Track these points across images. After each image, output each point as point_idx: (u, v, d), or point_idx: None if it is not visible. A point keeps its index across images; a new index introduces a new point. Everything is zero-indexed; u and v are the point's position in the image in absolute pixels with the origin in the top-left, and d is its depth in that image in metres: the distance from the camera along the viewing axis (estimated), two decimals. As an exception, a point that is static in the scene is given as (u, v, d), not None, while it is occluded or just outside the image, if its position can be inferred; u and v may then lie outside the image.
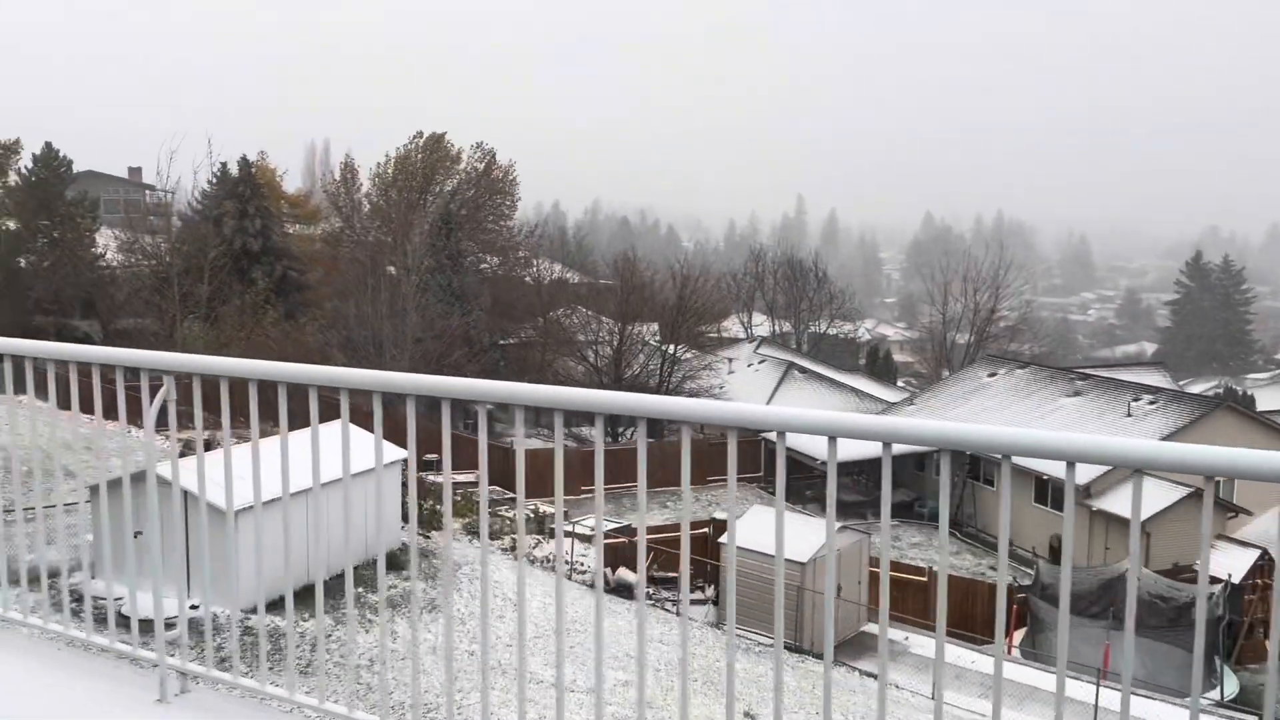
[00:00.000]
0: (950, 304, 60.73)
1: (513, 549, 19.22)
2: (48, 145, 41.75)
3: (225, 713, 3.19)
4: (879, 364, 58.78)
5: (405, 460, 3.12)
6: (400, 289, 37.32)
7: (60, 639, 3.64)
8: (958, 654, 17.70)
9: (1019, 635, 20.77)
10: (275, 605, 4.31)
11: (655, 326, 44.24)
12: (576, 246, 64.70)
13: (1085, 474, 25.76)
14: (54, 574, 4.36)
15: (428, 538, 17.25)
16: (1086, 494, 26.63)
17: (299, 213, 50.90)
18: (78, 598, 4.04)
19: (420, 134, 50.50)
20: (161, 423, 3.25)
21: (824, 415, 2.47)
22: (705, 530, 21.43)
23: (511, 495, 21.29)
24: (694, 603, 19.67)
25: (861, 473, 30.86)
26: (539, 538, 20.76)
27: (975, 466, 31.40)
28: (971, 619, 20.57)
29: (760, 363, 45.12)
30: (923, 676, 16.38)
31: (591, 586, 18.40)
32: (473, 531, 18.19)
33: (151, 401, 3.25)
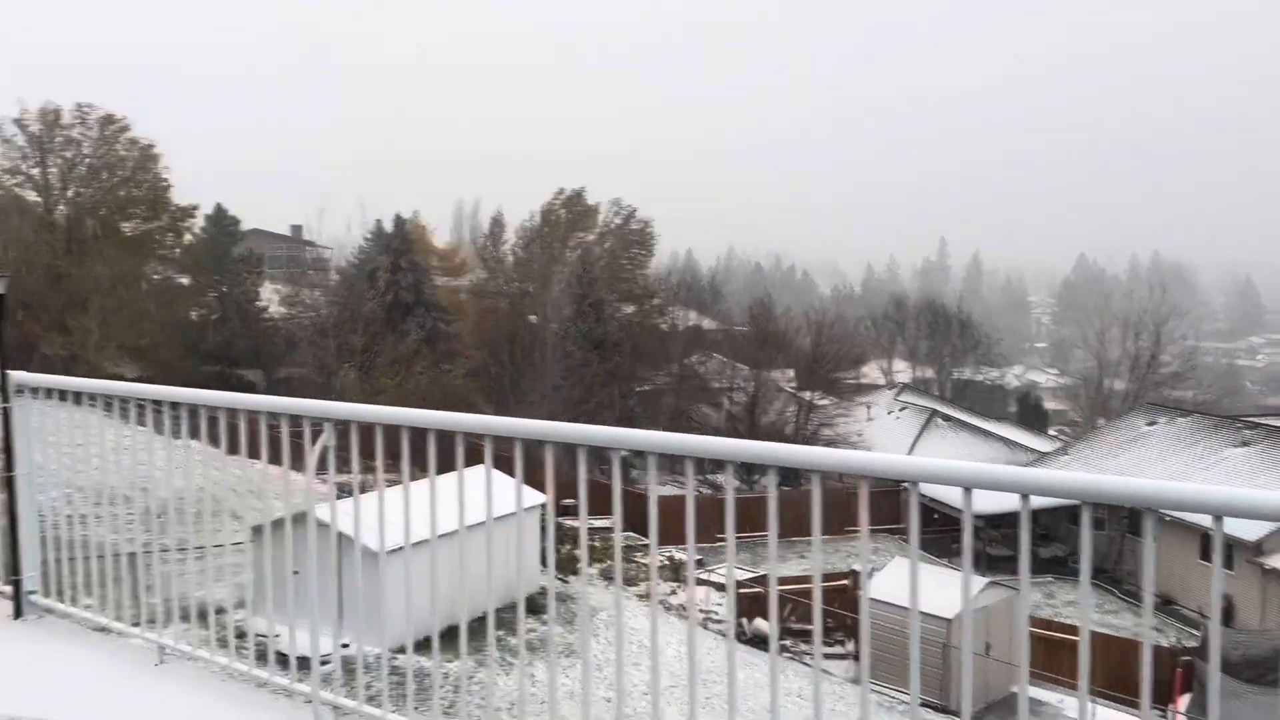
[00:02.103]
0: (1106, 349, 57.93)
1: (647, 596, 19.20)
2: (218, 206, 44.93)
3: None
4: (1029, 412, 56.48)
5: (544, 505, 3.22)
6: (541, 337, 38.29)
7: (224, 672, 3.88)
8: (1113, 718, 16.67)
9: (1184, 701, 19.39)
10: (421, 646, 4.48)
11: (791, 373, 43.86)
12: (711, 293, 65.01)
13: (1257, 530, 23.97)
14: (219, 610, 4.65)
15: (565, 582, 17.46)
16: (1258, 551, 24.77)
17: (447, 266, 53.01)
18: (239, 634, 4.30)
19: (562, 190, 52.08)
20: (321, 468, 3.47)
21: (957, 465, 2.44)
22: (843, 582, 20.93)
23: (646, 542, 21.29)
24: (831, 656, 19.19)
25: (1011, 526, 29.59)
26: (674, 585, 20.70)
27: (1135, 521, 29.68)
28: (1131, 682, 19.33)
29: (901, 410, 44.03)
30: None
31: (723, 635, 18.12)
32: (608, 577, 18.31)
33: (312, 446, 3.47)
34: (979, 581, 18.88)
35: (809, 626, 20.32)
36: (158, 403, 4.30)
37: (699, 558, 24.79)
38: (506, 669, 4.81)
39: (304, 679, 3.55)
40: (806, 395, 41.39)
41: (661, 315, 50.11)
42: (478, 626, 3.50)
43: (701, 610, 19.85)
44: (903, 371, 62.77)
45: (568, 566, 17.46)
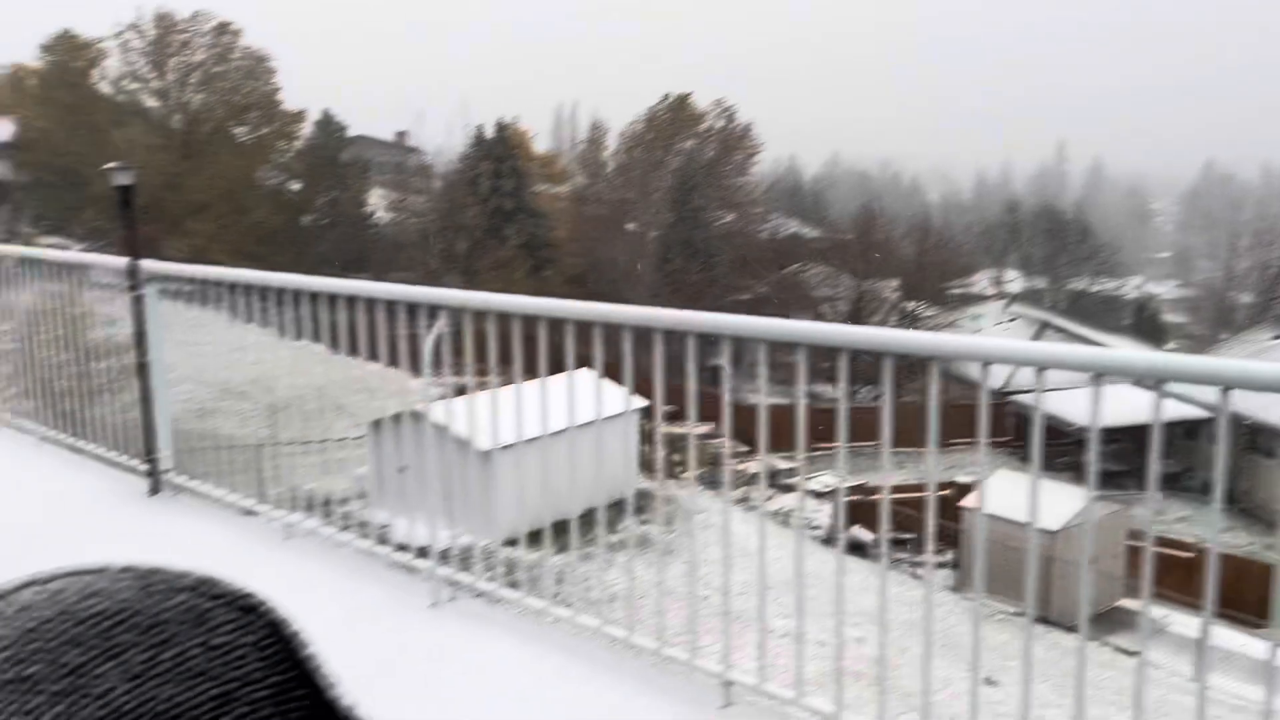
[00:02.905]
0: (1234, 260, 54.88)
1: (747, 502, 19.42)
2: (326, 112, 45.66)
3: (488, 620, 3.53)
4: (1147, 324, 54.18)
5: (646, 408, 3.26)
6: (639, 244, 38.18)
7: (346, 549, 4.14)
8: (1226, 635, 16.29)
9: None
10: (524, 540, 4.64)
11: (895, 283, 42.89)
12: (814, 201, 63.60)
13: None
14: (340, 501, 4.87)
15: (666, 486, 17.71)
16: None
17: (547, 172, 53.03)
18: (357, 523, 4.50)
19: (667, 96, 51.18)
20: (435, 359, 3.55)
21: (1031, 346, 2.41)
22: (948, 493, 20.74)
23: (747, 449, 21.48)
24: (933, 566, 19.16)
25: (1123, 440, 28.75)
26: (773, 492, 20.85)
27: (1254, 438, 28.48)
28: (1242, 600, 18.80)
29: (1011, 321, 42.76)
30: (1183, 657, 15.21)
31: (825, 542, 18.33)
32: (709, 482, 18.52)
33: (428, 339, 3.58)
34: (1086, 493, 18.49)
35: (909, 535, 20.30)
36: (280, 295, 4.45)
37: (797, 465, 24.77)
38: (607, 565, 4.93)
39: (420, 558, 3.77)
40: (911, 305, 40.49)
41: (763, 223, 49.34)
42: (579, 524, 3.60)
43: (803, 518, 19.96)
44: (1014, 281, 60.67)
45: (669, 473, 17.64)
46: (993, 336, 40.05)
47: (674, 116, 50.95)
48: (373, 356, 5.19)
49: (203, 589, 0.64)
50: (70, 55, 42.84)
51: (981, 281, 58.28)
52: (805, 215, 57.33)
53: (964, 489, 20.92)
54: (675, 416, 3.51)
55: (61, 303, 6.14)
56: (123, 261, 4.92)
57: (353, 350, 4.50)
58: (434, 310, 3.65)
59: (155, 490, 4.94)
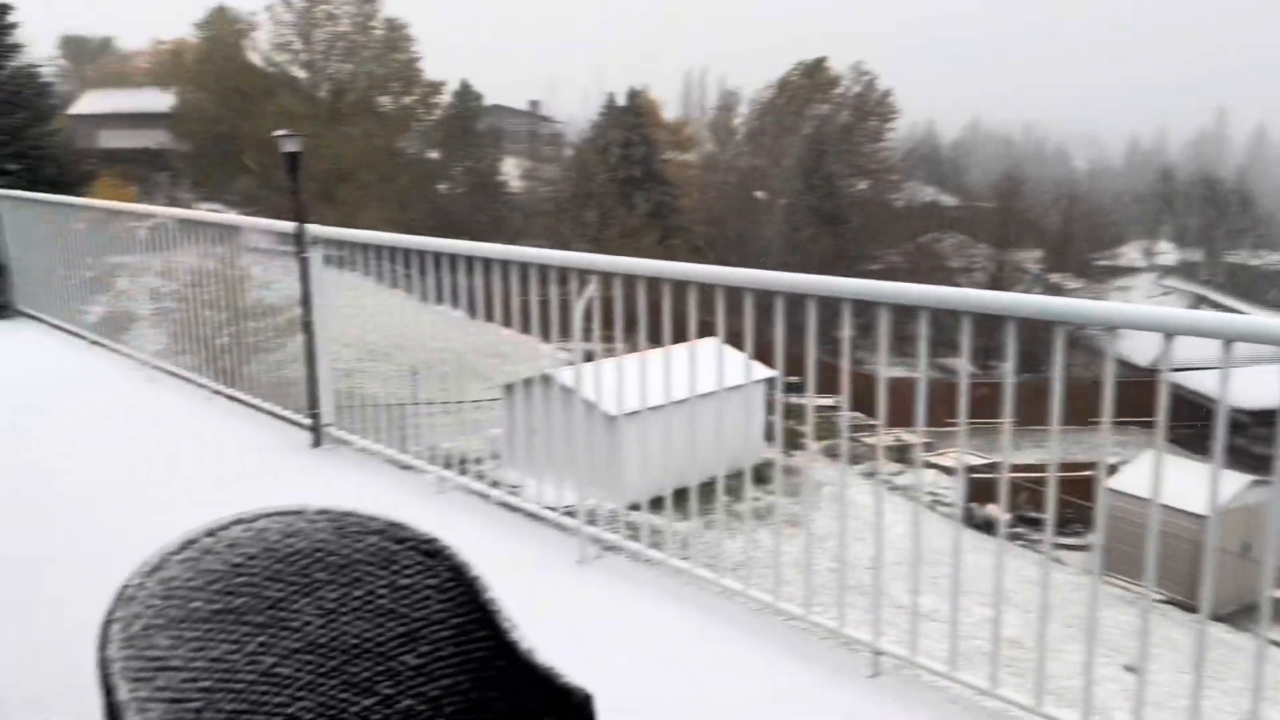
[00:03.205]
0: None
1: (871, 475, 19.09)
2: (464, 82, 46.65)
3: (632, 578, 3.65)
4: (1313, 301, 50.46)
5: (771, 380, 3.28)
6: (768, 212, 37.74)
7: (495, 504, 4.34)
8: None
9: None
10: (655, 504, 4.74)
11: (1038, 254, 41.17)
12: (952, 168, 61.43)
13: None
14: (476, 460, 5.06)
15: (790, 455, 17.61)
16: None
17: (676, 140, 52.89)
18: (490, 482, 4.67)
19: (801, 61, 50.24)
20: (585, 321, 3.65)
21: (1160, 311, 2.32)
22: (1089, 473, 19.92)
23: (871, 423, 21.01)
24: (1066, 547, 18.53)
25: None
26: (900, 466, 20.46)
27: None
28: None
29: (1164, 295, 40.56)
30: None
31: (949, 518, 17.87)
32: (832, 455, 18.32)
33: (579, 304, 3.69)
34: (1242, 479, 17.50)
35: (1041, 515, 19.60)
36: (424, 259, 4.64)
37: (928, 440, 24.24)
38: (731, 533, 4.98)
39: (568, 517, 3.94)
40: (1054, 277, 38.85)
41: (897, 191, 48.05)
42: (704, 492, 3.66)
43: (928, 493, 19.61)
44: (1167, 253, 57.33)
45: (791, 444, 17.56)
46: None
47: (808, 82, 49.94)
48: (506, 322, 5.36)
49: (390, 533, 0.70)
50: (224, 30, 45.03)
51: (1131, 253, 55.27)
52: (943, 182, 55.49)
53: (1108, 469, 20.03)
54: (799, 387, 3.51)
55: (221, 265, 6.54)
56: (290, 225, 5.20)
57: (488, 316, 4.65)
58: (584, 275, 3.75)
59: (317, 443, 5.28)
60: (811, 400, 3.25)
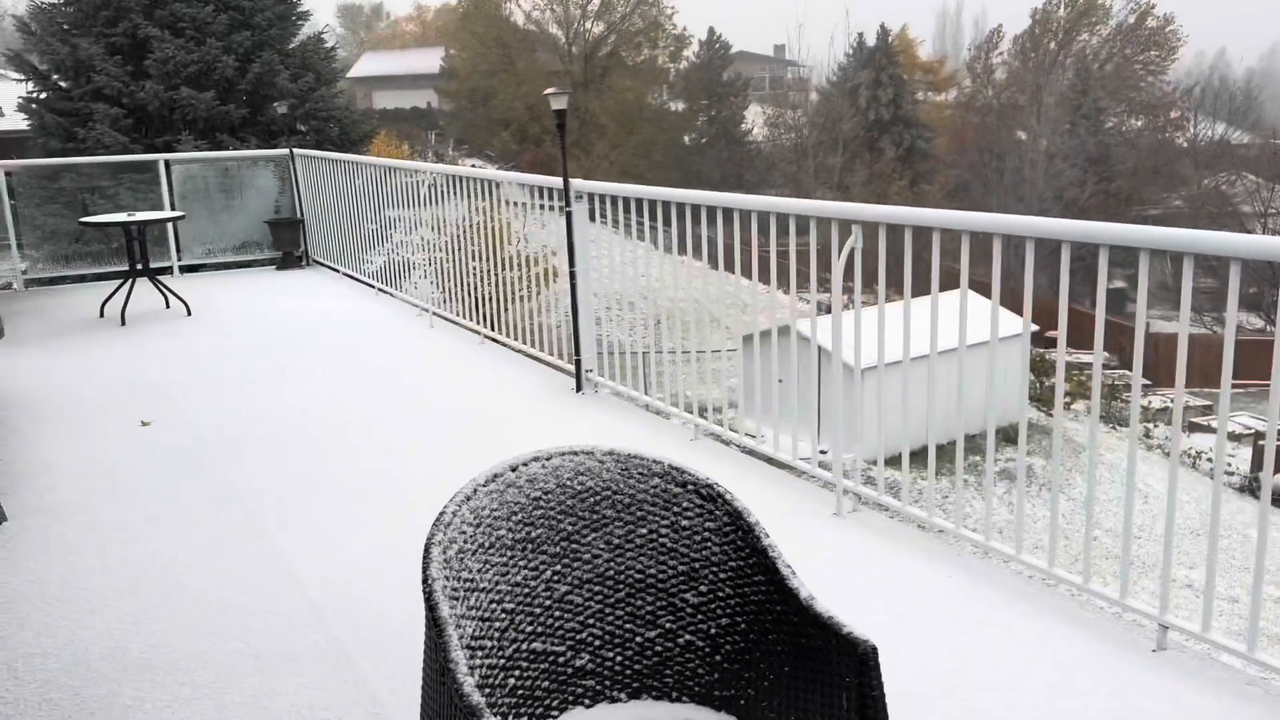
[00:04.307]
0: None
1: (1147, 439, 17.71)
2: (710, 30, 46.55)
3: (889, 533, 3.62)
4: None
5: (1032, 334, 3.09)
6: (1029, 155, 35.33)
7: (745, 454, 4.50)
8: None
9: None
10: (891, 462, 4.64)
11: (1351, 196, 36.22)
12: (1245, 101, 54.86)
13: None
14: (713, 409, 5.14)
15: (1050, 415, 16.66)
16: None
17: (931, 80, 50.43)
18: (732, 430, 4.74)
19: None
20: (847, 272, 3.61)
21: None
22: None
23: (1149, 383, 19.38)
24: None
25: None
26: (1181, 431, 18.86)
27: None
28: None
29: None
30: None
31: (1241, 490, 16.32)
32: (1102, 417, 17.09)
33: (841, 254, 3.65)
34: None
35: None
36: (681, 210, 4.74)
37: (1207, 404, 22.17)
38: (988, 493, 4.80)
39: (823, 470, 3.97)
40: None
41: (1179, 130, 43.58)
42: (951, 449, 3.52)
43: (1209, 460, 17.93)
44: None
45: (1049, 400, 16.59)
46: None
47: (1075, 12, 46.05)
48: (749, 274, 5.38)
49: (673, 475, 0.74)
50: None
51: None
52: (1234, 118, 49.70)
53: None
54: (1068, 343, 3.28)
55: (483, 218, 6.94)
56: (558, 181, 5.45)
57: (728, 267, 4.68)
58: (847, 225, 3.70)
59: (579, 387, 5.57)
60: (1097, 358, 3.04)
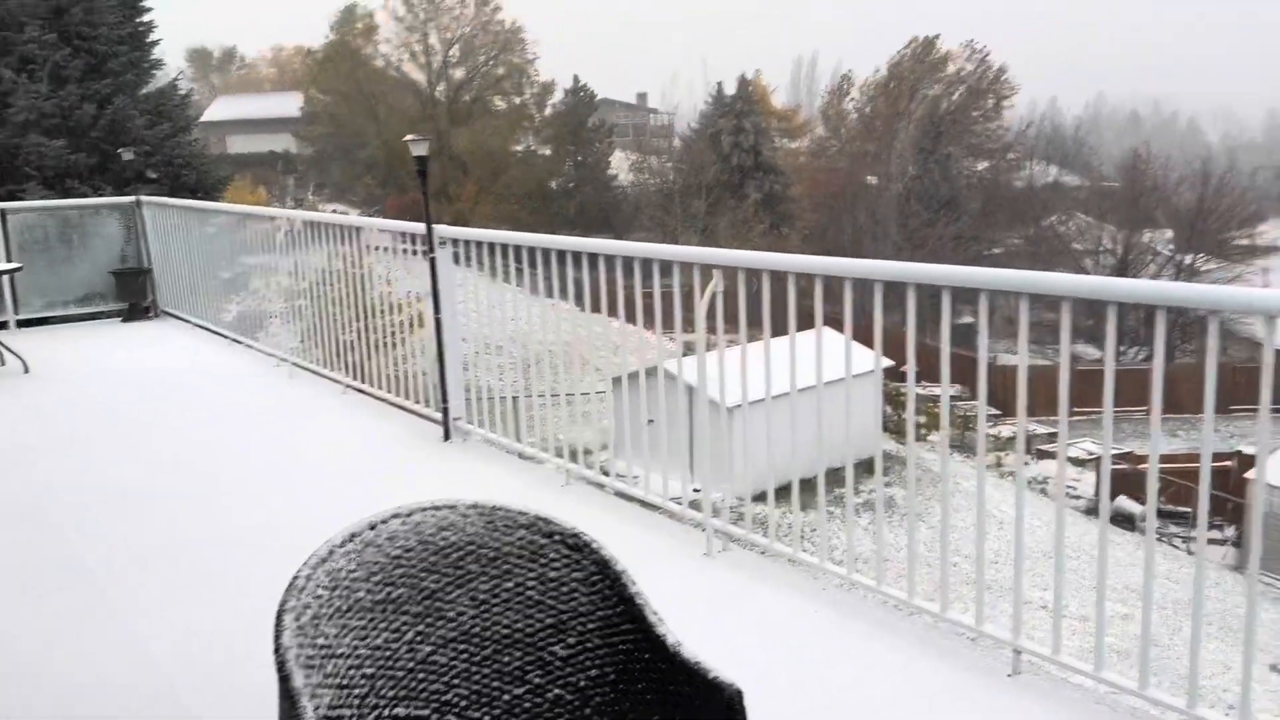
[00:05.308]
0: None
1: (999, 467, 18.56)
2: (575, 78, 47.17)
3: (759, 571, 3.65)
4: None
5: (887, 369, 3.22)
6: (881, 198, 36.95)
7: (618, 497, 4.46)
8: None
9: None
10: (759, 498, 4.73)
11: (1169, 234, 39.21)
12: (1075, 146, 58.93)
13: None
14: (586, 451, 5.12)
15: (903, 445, 17.26)
16: None
17: (786, 127, 52.29)
18: (605, 473, 4.73)
19: (915, 39, 49.02)
20: (709, 315, 3.67)
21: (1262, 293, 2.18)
22: (1228, 464, 18.93)
23: (998, 414, 20.48)
24: (1210, 542, 17.65)
25: None
26: (1028, 458, 19.86)
27: None
28: None
29: (1308, 275, 38.14)
30: None
31: (1087, 513, 17.26)
32: (958, 446, 17.85)
33: (703, 298, 3.71)
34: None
35: (1181, 509, 18.71)
36: (533, 255, 4.74)
37: (1053, 431, 23.42)
38: (850, 525, 4.92)
39: (693, 510, 3.98)
40: (1188, 259, 36.96)
41: (1018, 171, 46.42)
42: (812, 483, 3.62)
43: (1062, 485, 18.91)
44: (1312, 231, 53.75)
45: (915, 434, 17.20)
46: (1285, 292, 35.82)
47: (920, 62, 48.69)
48: (619, 315, 5.43)
49: (539, 526, 0.73)
50: (349, 32, 46.62)
51: (1272, 231, 52.08)
52: (1066, 161, 53.31)
53: (1249, 461, 19.03)
54: (922, 377, 3.43)
55: (346, 264, 6.79)
56: (421, 227, 5.38)
57: (599, 309, 4.72)
58: (707, 269, 3.77)
59: (447, 436, 5.45)
60: (945, 390, 3.18)
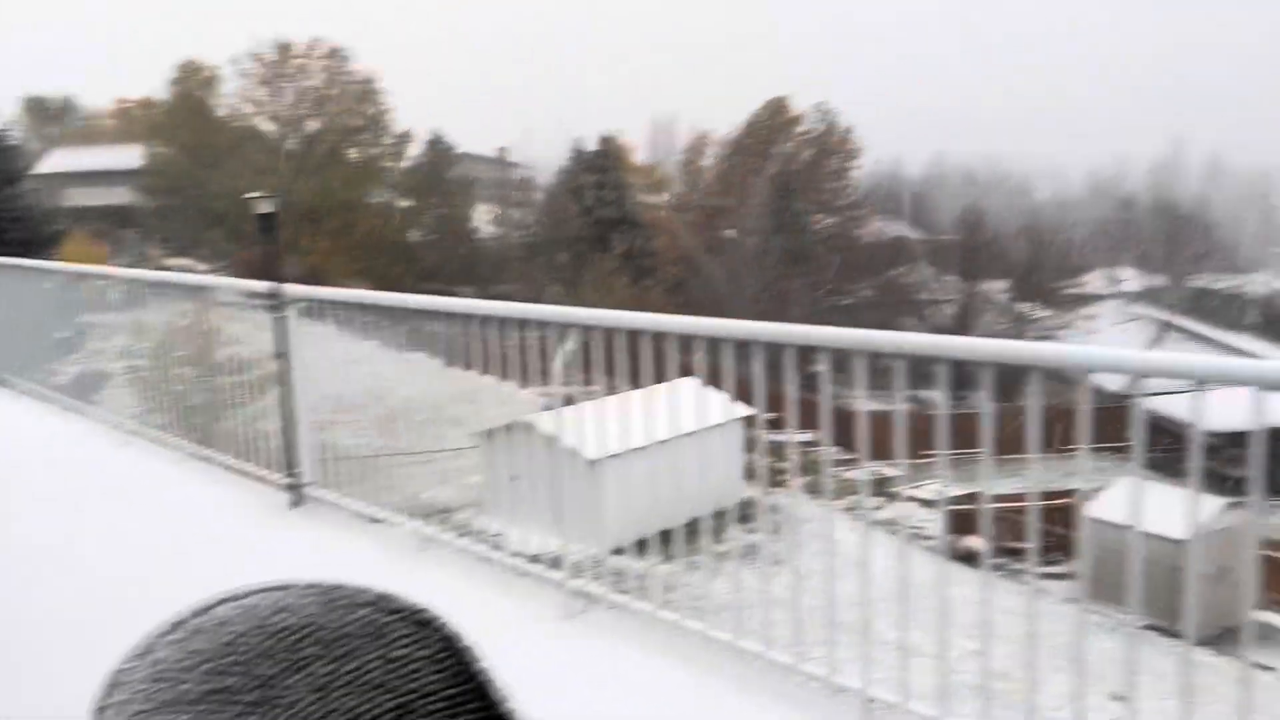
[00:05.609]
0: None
1: (852, 510, 19.02)
2: (435, 132, 46.99)
3: (617, 631, 3.61)
4: (1275, 323, 51.33)
5: (749, 417, 3.30)
6: (738, 252, 38.03)
7: (477, 560, 4.32)
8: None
9: None
10: (631, 549, 4.72)
11: (1005, 284, 41.71)
12: (918, 201, 62.26)
13: None
14: (449, 510, 5.02)
15: (770, 494, 17.61)
16: None
17: (647, 183, 53.37)
18: (471, 531, 4.64)
19: (768, 100, 50.99)
20: (563, 374, 3.66)
21: (1189, 359, 2.34)
22: (1060, 501, 20.04)
23: (852, 457, 20.99)
24: (1049, 576, 18.59)
25: (1249, 445, 27.24)
26: (881, 500, 20.50)
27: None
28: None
29: (1129, 321, 41.12)
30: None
31: (932, 551, 17.87)
32: (814, 491, 18.28)
33: (557, 351, 3.69)
34: (1217, 502, 17.70)
35: (1022, 545, 19.58)
36: (418, 313, 4.66)
37: (900, 473, 24.29)
38: (716, 574, 4.96)
39: (553, 570, 3.89)
40: (1022, 307, 39.34)
41: (865, 226, 48.63)
42: (683, 533, 3.64)
43: (909, 527, 19.61)
44: (1130, 280, 58.13)
45: (771, 480, 17.57)
46: (1098, 343, 38.51)
47: (772, 121, 50.67)
48: (482, 369, 5.37)
49: (381, 604, 0.70)
50: (193, 84, 45.19)
51: (1096, 281, 56.03)
52: (910, 216, 56.22)
53: (1083, 496, 20.19)
54: (778, 424, 3.53)
55: (191, 321, 6.51)
56: (267, 285, 5.19)
57: (462, 363, 4.66)
58: (565, 329, 3.76)
59: (297, 503, 5.21)
60: (793, 436, 3.27)
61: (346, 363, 5.62)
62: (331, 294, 5.15)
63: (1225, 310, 53.49)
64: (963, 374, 2.98)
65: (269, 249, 5.14)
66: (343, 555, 4.54)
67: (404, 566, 4.33)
